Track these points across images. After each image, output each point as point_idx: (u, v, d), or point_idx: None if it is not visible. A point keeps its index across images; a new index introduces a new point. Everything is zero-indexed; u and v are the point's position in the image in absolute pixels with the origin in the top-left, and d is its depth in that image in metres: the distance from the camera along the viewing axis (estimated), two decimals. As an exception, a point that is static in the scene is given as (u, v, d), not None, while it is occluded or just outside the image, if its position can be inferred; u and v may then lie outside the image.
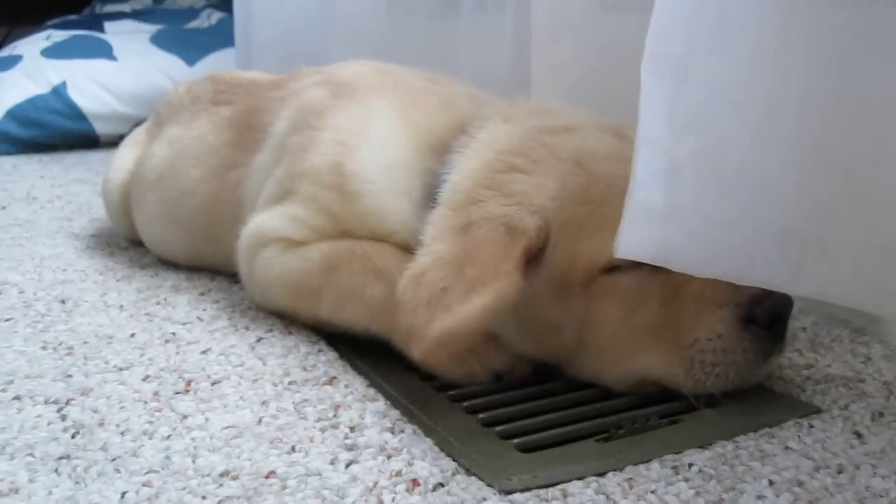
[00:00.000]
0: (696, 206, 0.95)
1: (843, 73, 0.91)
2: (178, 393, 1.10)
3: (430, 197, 1.17)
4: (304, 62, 1.60)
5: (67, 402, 1.07)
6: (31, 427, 1.01)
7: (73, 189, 2.50)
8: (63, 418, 1.03)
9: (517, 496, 0.86)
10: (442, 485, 0.88)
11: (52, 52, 3.41)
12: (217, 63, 3.32)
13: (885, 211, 0.92)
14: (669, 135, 0.94)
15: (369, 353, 1.19)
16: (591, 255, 1.04)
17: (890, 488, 0.86)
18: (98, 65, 3.37)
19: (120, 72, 3.37)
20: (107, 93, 3.31)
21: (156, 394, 1.09)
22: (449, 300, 0.98)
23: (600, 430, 0.99)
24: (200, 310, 1.41)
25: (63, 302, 1.46)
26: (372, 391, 1.10)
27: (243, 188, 1.45)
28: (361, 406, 1.06)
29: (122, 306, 1.43)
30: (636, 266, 1.03)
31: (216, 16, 3.92)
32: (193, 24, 3.89)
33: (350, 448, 0.95)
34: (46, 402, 1.07)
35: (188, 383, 1.12)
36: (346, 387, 1.11)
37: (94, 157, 3.08)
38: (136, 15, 3.96)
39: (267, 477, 0.90)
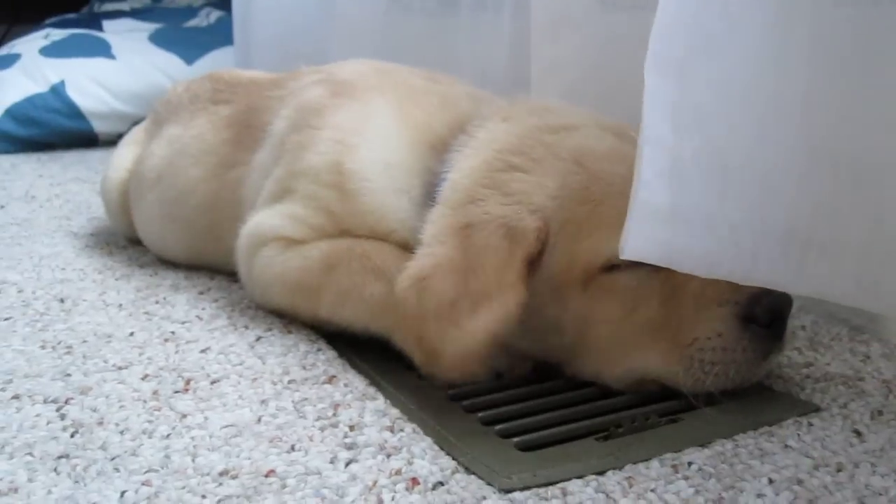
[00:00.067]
0: (699, 206, 0.95)
1: (846, 72, 0.91)
2: (177, 392, 1.09)
3: (429, 196, 1.17)
4: (304, 61, 1.60)
5: (66, 402, 1.07)
6: (30, 426, 1.01)
7: (71, 188, 2.50)
8: (62, 417, 1.03)
9: (517, 495, 0.86)
10: (441, 483, 0.88)
11: (50, 51, 3.40)
12: (216, 62, 3.31)
13: (887, 209, 0.92)
14: (673, 135, 0.94)
15: (369, 352, 1.19)
16: (590, 253, 1.04)
17: (889, 486, 0.86)
18: (97, 63, 3.37)
19: (118, 70, 3.36)
20: (105, 91, 3.30)
21: (155, 393, 1.09)
22: (457, 315, 0.99)
23: (600, 428, 0.99)
24: (200, 308, 1.41)
25: (62, 301, 1.45)
26: (371, 390, 1.10)
27: (242, 187, 1.45)
28: (361, 405, 1.05)
29: (121, 305, 1.43)
30: (636, 265, 1.03)
31: (215, 14, 3.92)
32: (192, 22, 3.88)
33: (350, 447, 0.95)
34: (45, 402, 1.07)
35: (187, 382, 1.12)
36: (346, 385, 1.11)
37: (93, 155, 3.07)
38: (135, 13, 3.96)
39: (266, 476, 0.90)
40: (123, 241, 1.85)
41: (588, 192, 1.05)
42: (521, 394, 1.08)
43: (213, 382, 1.12)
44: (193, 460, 0.93)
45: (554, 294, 1.05)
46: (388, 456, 0.93)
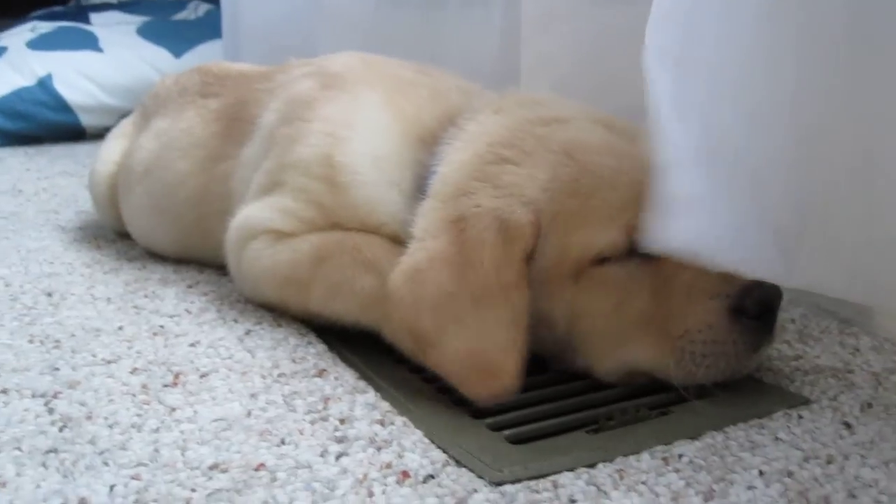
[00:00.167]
0: (705, 196, 0.95)
1: (837, 65, 0.91)
2: (166, 386, 1.09)
3: (419, 188, 1.17)
4: (293, 54, 1.59)
5: (55, 396, 1.06)
6: (18, 421, 1.00)
7: (59, 182, 2.48)
8: (50, 412, 1.02)
9: (508, 487, 0.86)
10: (432, 476, 0.88)
11: (37, 44, 3.38)
12: (204, 55, 3.30)
13: (881, 202, 0.92)
14: (677, 125, 0.94)
15: (359, 346, 1.18)
16: (581, 246, 1.04)
17: (879, 478, 0.86)
18: (84, 56, 3.35)
19: (106, 63, 3.35)
20: (93, 85, 3.29)
21: (144, 387, 1.09)
22: (457, 309, 0.99)
23: (591, 421, 0.99)
24: (189, 302, 1.40)
25: (50, 295, 1.45)
26: (362, 383, 1.10)
27: (232, 180, 1.45)
28: (351, 398, 1.05)
29: (109, 299, 1.42)
30: (626, 257, 1.04)
31: (203, 7, 3.90)
32: (180, 15, 3.87)
33: (340, 440, 0.95)
34: (33, 396, 1.06)
35: (177, 376, 1.11)
36: (336, 379, 1.11)
37: (81, 149, 3.06)
38: (123, 6, 3.94)
39: (256, 469, 0.89)
40: (112, 234, 1.84)
41: (579, 184, 1.05)
42: (511, 387, 1.08)
43: (202, 376, 1.11)
44: (183, 454, 0.92)
45: (545, 287, 1.05)
46: (379, 449, 0.93)
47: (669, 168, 0.94)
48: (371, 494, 0.85)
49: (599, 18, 1.57)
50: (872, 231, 0.93)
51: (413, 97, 1.30)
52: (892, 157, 0.89)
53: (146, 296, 1.44)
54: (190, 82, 1.69)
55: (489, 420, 1.00)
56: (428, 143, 1.22)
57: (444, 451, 0.93)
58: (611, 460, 0.91)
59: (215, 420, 1.00)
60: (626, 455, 0.91)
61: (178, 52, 3.46)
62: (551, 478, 0.87)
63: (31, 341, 1.24)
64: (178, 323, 1.31)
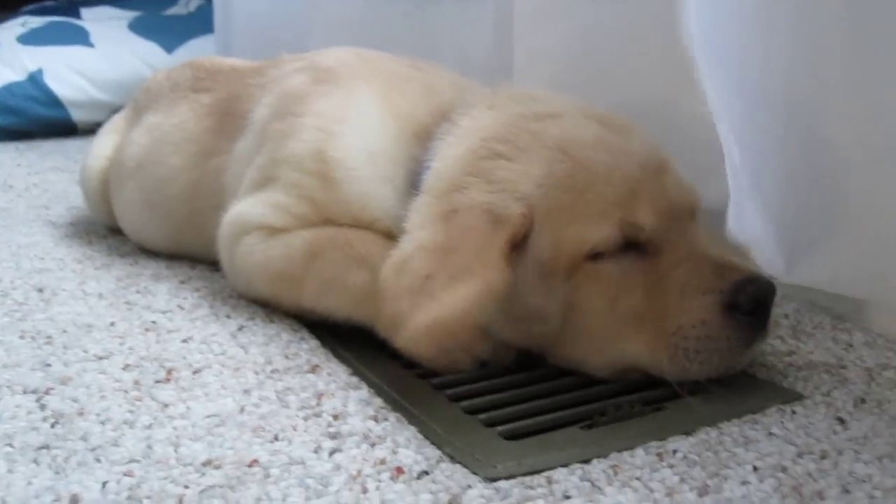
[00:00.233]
0: (743, 190, 0.96)
1: (832, 60, 0.91)
2: (158, 382, 1.08)
3: (413, 184, 1.16)
4: (285, 49, 1.59)
5: (46, 392, 1.06)
6: (9, 417, 1.00)
7: (50, 177, 2.47)
8: (42, 408, 1.02)
9: (502, 483, 0.86)
10: (426, 472, 0.88)
11: (28, 39, 3.37)
12: (196, 50, 3.28)
13: (881, 197, 0.92)
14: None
15: (352, 341, 1.18)
16: (575, 242, 1.03)
17: (872, 473, 0.86)
18: (75, 51, 3.33)
19: (97, 58, 3.33)
20: (84, 80, 3.27)
21: (136, 383, 1.08)
22: (432, 287, 0.98)
23: (584, 417, 0.99)
24: (181, 298, 1.40)
25: (41, 291, 1.44)
26: (355, 379, 1.10)
27: (224, 175, 1.44)
28: (345, 394, 1.05)
29: (101, 295, 1.42)
30: (620, 253, 1.04)
31: (195, 2, 3.88)
32: (172, 10, 3.85)
33: (334, 436, 0.95)
34: (25, 392, 1.06)
35: (169, 372, 1.11)
36: (329, 375, 1.10)
37: (72, 144, 3.04)
38: (114, 1, 3.91)
39: (250, 466, 0.89)
40: (103, 230, 1.83)
41: (573, 180, 1.05)
42: (505, 382, 1.08)
43: (195, 372, 1.11)
44: (176, 450, 0.92)
45: (538, 282, 1.05)
46: (373, 445, 0.93)
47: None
48: (365, 491, 0.84)
49: (592, 14, 1.56)
50: (874, 225, 0.92)
51: (406, 92, 1.29)
52: (892, 148, 0.88)
53: (138, 291, 1.43)
54: (182, 77, 1.68)
55: (483, 416, 1.00)
56: (421, 139, 1.21)
57: (438, 448, 0.93)
58: (605, 456, 0.90)
59: (208, 416, 0.99)
60: (620, 451, 0.91)
61: (169, 48, 3.45)
62: (545, 473, 0.87)
63: (22, 337, 1.23)
64: (170, 319, 1.30)
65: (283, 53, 1.56)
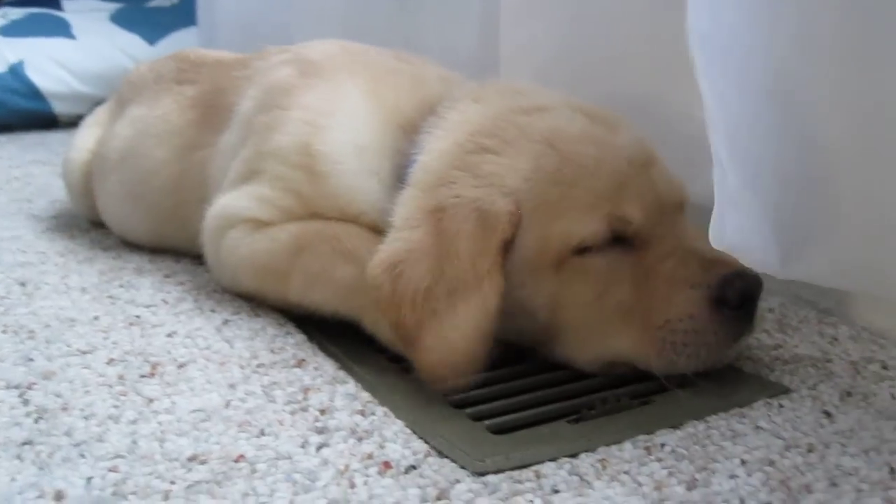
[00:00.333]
0: (735, 188, 0.96)
1: (833, 59, 0.91)
2: (143, 376, 1.08)
3: (399, 178, 1.16)
4: (269, 42, 1.58)
5: (29, 387, 1.05)
6: (-8, 412, 0.99)
7: (31, 170, 2.45)
8: (25, 403, 1.01)
9: (490, 478, 0.86)
10: (414, 467, 0.87)
11: (8, 31, 3.34)
12: (179, 42, 3.26)
13: (880, 193, 0.92)
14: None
15: (338, 335, 1.17)
16: (562, 236, 1.03)
17: (859, 466, 0.86)
18: (56, 43, 3.31)
19: (79, 50, 3.31)
20: (65, 72, 3.25)
21: (121, 377, 1.07)
22: (434, 303, 0.99)
23: (572, 411, 0.99)
24: (165, 292, 1.39)
25: (23, 285, 1.42)
26: (342, 373, 1.09)
27: (208, 168, 1.43)
28: (331, 388, 1.04)
29: (84, 289, 1.40)
30: (608, 247, 1.04)
31: (178, -6, 3.86)
32: (155, 2, 3.83)
33: (320, 431, 0.94)
34: (7, 387, 1.05)
35: (154, 366, 1.10)
36: (316, 369, 1.10)
37: (53, 137, 3.02)
38: (96, -7, 3.89)
39: (236, 461, 0.88)
40: (86, 223, 1.82)
41: (560, 174, 1.05)
42: (492, 377, 1.07)
43: (179, 367, 1.10)
44: (161, 445, 0.91)
45: (526, 276, 1.05)
46: (360, 440, 0.93)
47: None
48: (352, 486, 0.84)
49: (578, 7, 1.56)
50: (874, 222, 0.92)
51: (393, 85, 1.29)
52: (891, 141, 0.88)
53: (121, 285, 1.42)
54: (166, 69, 1.67)
55: (470, 410, 0.99)
56: (408, 132, 1.21)
57: (426, 442, 0.93)
58: (593, 450, 0.90)
59: (194, 411, 0.98)
60: (608, 444, 0.91)
61: (152, 40, 3.43)
62: (534, 468, 0.87)
63: (4, 331, 1.22)
64: (154, 313, 1.29)
65: (267, 46, 1.55)
